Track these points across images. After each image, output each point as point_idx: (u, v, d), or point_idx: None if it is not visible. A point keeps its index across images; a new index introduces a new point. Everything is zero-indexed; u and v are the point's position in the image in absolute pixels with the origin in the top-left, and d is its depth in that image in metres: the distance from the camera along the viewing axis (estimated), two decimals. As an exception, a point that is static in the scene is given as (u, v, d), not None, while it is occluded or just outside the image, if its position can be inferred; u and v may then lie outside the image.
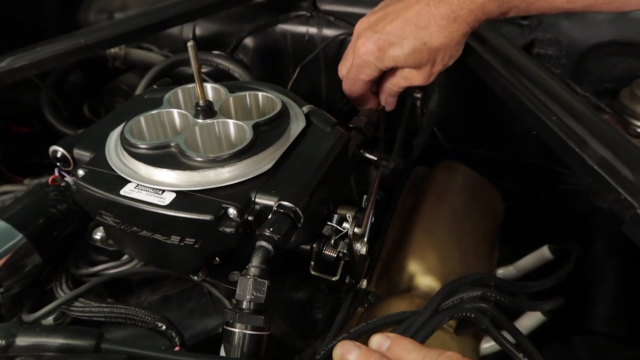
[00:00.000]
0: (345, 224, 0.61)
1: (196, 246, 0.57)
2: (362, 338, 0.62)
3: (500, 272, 1.00)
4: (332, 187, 0.65)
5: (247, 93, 0.70)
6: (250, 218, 0.56)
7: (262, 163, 0.59)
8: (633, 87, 0.94)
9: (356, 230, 0.60)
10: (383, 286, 0.77)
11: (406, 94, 1.02)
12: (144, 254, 0.65)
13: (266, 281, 0.50)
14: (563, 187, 1.12)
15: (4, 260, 0.61)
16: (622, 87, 0.97)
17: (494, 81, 0.78)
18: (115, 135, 0.66)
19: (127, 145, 0.61)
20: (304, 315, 0.72)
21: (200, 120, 0.64)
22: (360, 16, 1.12)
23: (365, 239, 0.62)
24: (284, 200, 0.54)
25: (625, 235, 0.58)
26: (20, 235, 0.63)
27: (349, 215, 0.62)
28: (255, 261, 0.50)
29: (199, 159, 0.58)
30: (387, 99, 0.81)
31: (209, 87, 0.72)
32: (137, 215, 0.57)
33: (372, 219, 0.68)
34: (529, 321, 0.82)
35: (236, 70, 0.96)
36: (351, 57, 0.76)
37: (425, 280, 0.73)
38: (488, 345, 0.75)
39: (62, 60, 0.95)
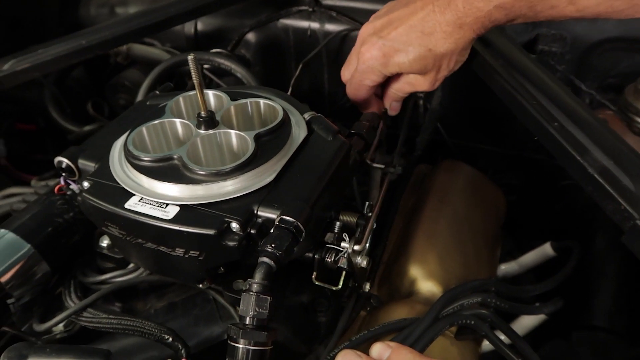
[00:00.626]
0: (343, 244, 0.62)
1: (200, 258, 0.58)
2: (364, 346, 0.64)
3: (503, 267, 1.01)
4: (334, 196, 0.65)
5: (248, 101, 0.70)
6: (252, 231, 0.57)
7: (264, 175, 0.60)
8: (638, 84, 0.93)
9: (355, 247, 0.61)
10: (385, 289, 0.78)
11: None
12: (149, 264, 0.66)
13: (268, 297, 0.51)
14: (566, 181, 1.12)
15: (13, 270, 0.63)
16: (628, 83, 0.96)
17: (495, 84, 0.77)
18: (118, 145, 0.66)
19: (130, 158, 0.62)
20: (307, 319, 0.73)
21: (202, 131, 0.64)
22: (362, 12, 1.12)
23: (365, 252, 0.63)
24: (285, 215, 0.55)
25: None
26: (28, 246, 0.64)
27: (345, 235, 0.62)
28: (258, 277, 0.51)
29: (201, 172, 0.58)
30: (392, 103, 0.81)
31: (210, 94, 0.72)
32: (141, 228, 0.58)
33: (373, 225, 0.68)
34: (529, 320, 0.83)
35: (238, 70, 0.96)
36: (355, 62, 0.76)
37: (426, 285, 0.74)
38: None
39: (64, 62, 0.96)
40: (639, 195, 0.58)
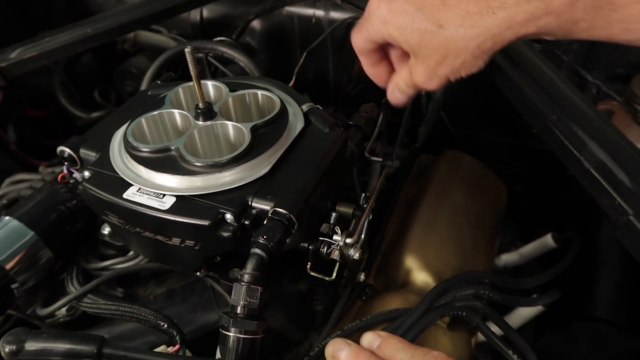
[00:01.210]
0: (335, 237, 0.63)
1: (196, 248, 0.59)
2: (355, 335, 0.65)
3: (504, 258, 1.01)
4: (330, 188, 0.66)
5: (246, 92, 0.70)
6: (247, 222, 0.58)
7: (259, 167, 0.61)
8: (644, 75, 0.92)
9: (348, 240, 0.62)
10: (381, 279, 0.79)
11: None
12: (148, 252, 0.68)
13: (259, 287, 0.52)
14: (570, 172, 1.11)
15: (17, 257, 0.65)
16: (636, 73, 0.95)
17: (495, 75, 0.77)
18: (119, 136, 0.68)
19: (129, 149, 0.63)
20: (303, 307, 0.75)
21: (200, 123, 0.65)
22: (367, 0, 1.11)
23: (359, 244, 0.63)
24: (278, 207, 0.56)
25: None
26: (32, 233, 0.66)
27: (337, 228, 0.63)
28: (249, 268, 0.52)
29: (197, 163, 0.59)
30: (394, 92, 0.68)
31: (209, 84, 0.72)
32: (139, 218, 0.59)
33: (370, 217, 0.69)
34: (527, 312, 0.84)
35: (241, 59, 0.96)
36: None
37: (421, 276, 0.74)
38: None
39: (70, 50, 0.97)
40: (633, 191, 0.57)
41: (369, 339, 0.55)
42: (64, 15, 1.33)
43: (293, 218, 0.55)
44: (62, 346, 0.46)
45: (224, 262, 0.66)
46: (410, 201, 0.90)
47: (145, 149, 0.62)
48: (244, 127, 0.64)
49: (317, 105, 0.71)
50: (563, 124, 0.67)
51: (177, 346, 0.59)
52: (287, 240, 0.56)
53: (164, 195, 0.59)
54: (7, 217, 0.67)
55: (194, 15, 1.23)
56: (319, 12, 1.15)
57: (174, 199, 0.59)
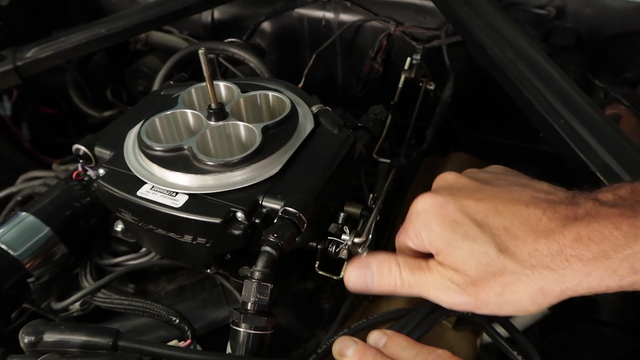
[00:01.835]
0: (344, 236, 0.64)
1: (207, 245, 0.61)
2: (362, 333, 0.65)
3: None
4: (338, 188, 0.67)
5: (257, 93, 0.72)
6: (257, 221, 0.59)
7: (270, 167, 0.62)
8: (652, 80, 0.92)
9: (356, 240, 0.63)
10: (388, 279, 0.80)
11: (419, 83, 1.02)
12: (160, 248, 0.69)
13: (269, 284, 0.53)
14: (576, 175, 1.12)
15: (33, 252, 0.67)
16: (644, 78, 0.95)
17: (503, 78, 0.78)
18: (133, 134, 0.69)
19: (143, 147, 0.64)
20: (311, 306, 0.76)
21: (212, 123, 0.66)
22: (376, 3, 1.12)
23: (367, 244, 0.65)
24: (288, 206, 0.57)
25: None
26: (48, 229, 0.68)
27: (345, 228, 0.64)
28: (260, 265, 0.54)
29: (209, 162, 0.61)
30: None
31: (221, 85, 0.74)
32: (152, 215, 0.61)
33: (377, 217, 0.70)
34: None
35: (251, 60, 0.98)
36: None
37: (428, 276, 0.75)
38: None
39: (84, 50, 0.99)
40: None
41: (375, 337, 0.56)
42: (78, 15, 1.35)
43: (303, 217, 0.56)
44: (79, 338, 0.47)
45: (234, 260, 0.67)
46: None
47: (158, 148, 0.63)
48: (255, 127, 0.65)
49: (327, 107, 0.73)
50: (570, 127, 0.68)
51: (189, 341, 0.60)
52: (297, 239, 0.58)
53: (177, 193, 0.60)
54: (23, 213, 0.69)
55: (205, 16, 1.25)
56: (329, 15, 1.16)
57: (186, 197, 0.60)
